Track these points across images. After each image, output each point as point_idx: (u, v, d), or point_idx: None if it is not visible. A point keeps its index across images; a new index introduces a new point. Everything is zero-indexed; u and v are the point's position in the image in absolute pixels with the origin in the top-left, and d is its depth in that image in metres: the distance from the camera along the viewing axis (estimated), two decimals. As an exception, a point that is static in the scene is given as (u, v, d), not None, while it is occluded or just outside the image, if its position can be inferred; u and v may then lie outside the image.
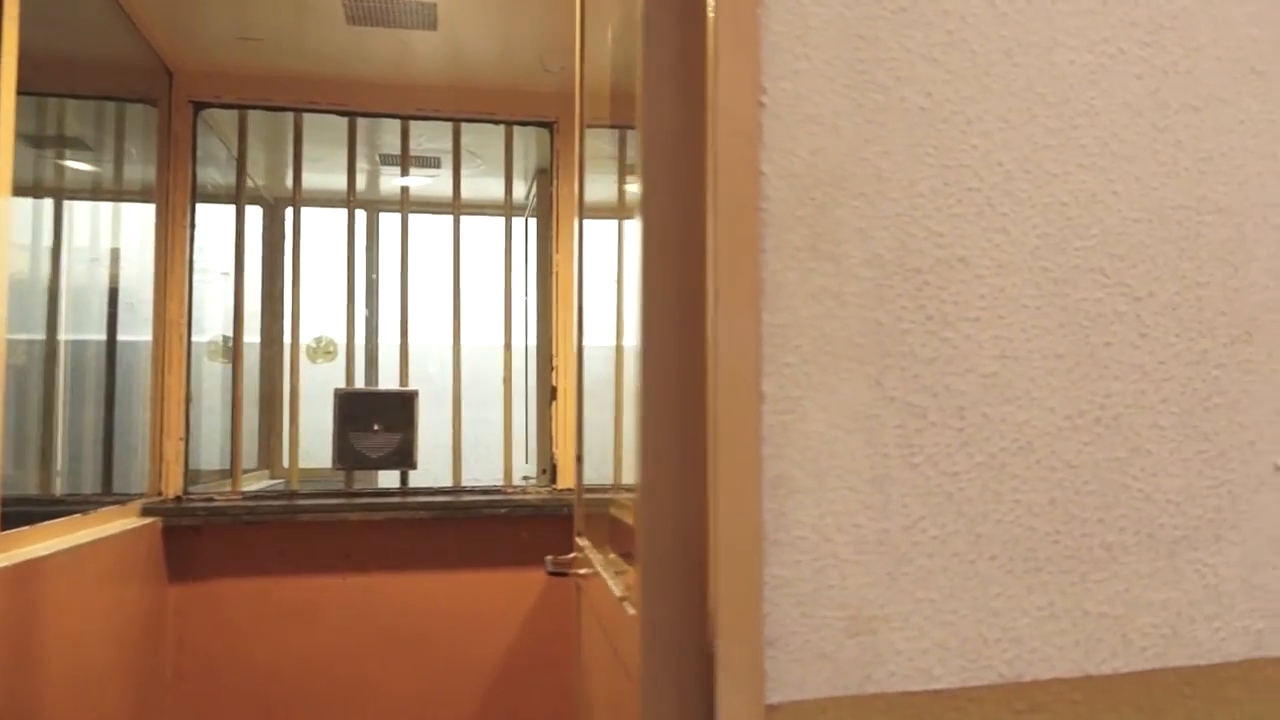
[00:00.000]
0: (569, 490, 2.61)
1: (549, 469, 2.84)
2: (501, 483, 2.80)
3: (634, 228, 0.85)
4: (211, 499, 2.47)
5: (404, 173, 2.94)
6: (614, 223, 2.84)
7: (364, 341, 3.60)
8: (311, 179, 3.37)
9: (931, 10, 0.84)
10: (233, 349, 2.68)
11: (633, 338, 0.86)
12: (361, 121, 2.89)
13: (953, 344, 0.83)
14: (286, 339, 2.80)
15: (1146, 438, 0.87)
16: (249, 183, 3.37)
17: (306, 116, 2.75)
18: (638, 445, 0.82)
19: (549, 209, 2.92)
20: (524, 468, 3.44)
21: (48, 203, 2.55)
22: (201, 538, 2.43)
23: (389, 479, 2.89)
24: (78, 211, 2.69)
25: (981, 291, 0.84)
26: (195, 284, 2.65)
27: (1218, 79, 0.91)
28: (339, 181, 2.81)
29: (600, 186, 2.82)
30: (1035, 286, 0.85)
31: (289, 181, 2.93)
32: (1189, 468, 0.88)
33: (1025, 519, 0.83)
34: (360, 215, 3.78)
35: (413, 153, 3.08)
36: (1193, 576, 0.87)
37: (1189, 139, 0.90)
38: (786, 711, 0.77)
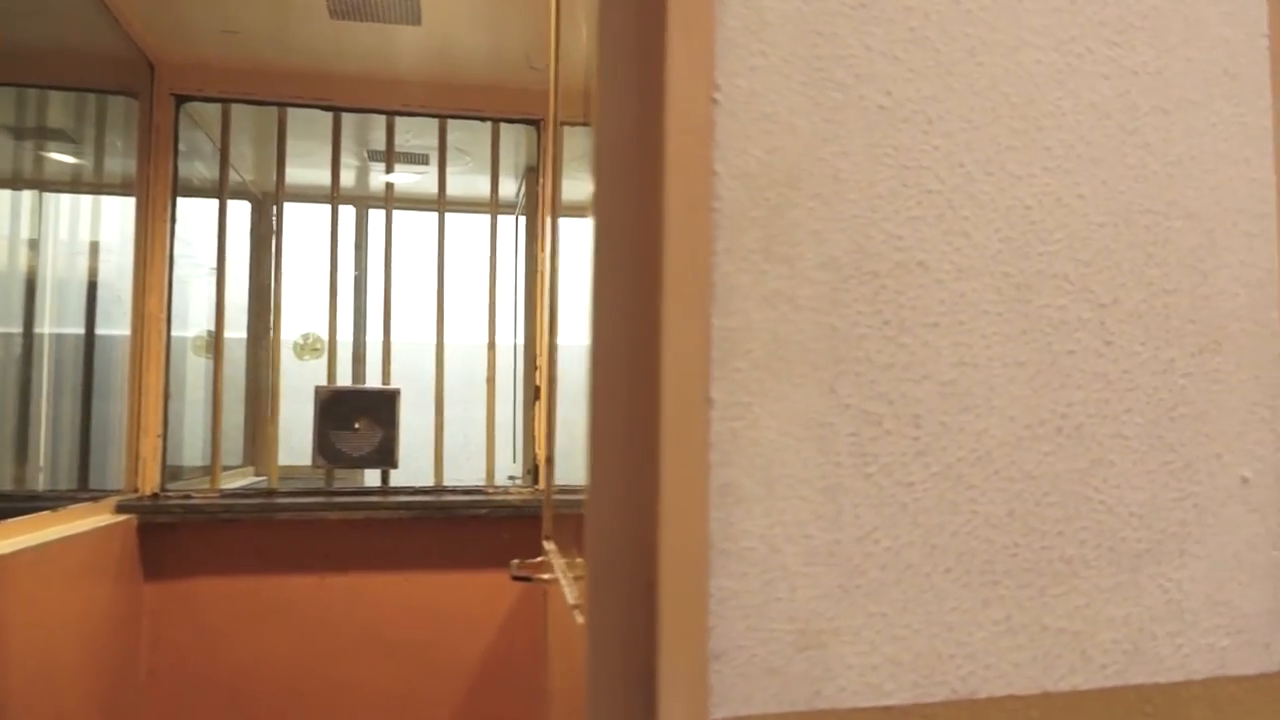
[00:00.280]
0: (551, 491, 2.58)
1: (533, 469, 2.82)
2: (484, 483, 2.78)
3: (586, 226, 0.83)
4: (189, 496, 2.45)
5: (389, 169, 2.92)
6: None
7: (351, 339, 3.58)
8: (301, 174, 3.35)
9: (893, 7, 0.82)
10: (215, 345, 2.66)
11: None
12: (351, 117, 2.87)
13: (910, 350, 0.80)
14: (272, 335, 2.78)
15: (1110, 448, 0.84)
16: (237, 177, 3.35)
17: (295, 111, 2.73)
18: (586, 449, 0.80)
19: (536, 207, 2.90)
20: (512, 467, 3.42)
21: (27, 194, 2.53)
22: (178, 536, 2.40)
23: (374, 477, 2.86)
24: (61, 204, 2.67)
25: (941, 296, 0.81)
26: (185, 279, 2.63)
27: (1189, 81, 0.88)
28: (328, 177, 2.79)
29: (581, 185, 2.79)
30: (996, 292, 0.82)
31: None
32: (1153, 480, 0.85)
33: (982, 531, 0.81)
34: (349, 211, 3.76)
35: (401, 149, 3.06)
36: (1155, 592, 0.85)
37: (1158, 142, 0.87)
38: (731, 727, 0.75)
